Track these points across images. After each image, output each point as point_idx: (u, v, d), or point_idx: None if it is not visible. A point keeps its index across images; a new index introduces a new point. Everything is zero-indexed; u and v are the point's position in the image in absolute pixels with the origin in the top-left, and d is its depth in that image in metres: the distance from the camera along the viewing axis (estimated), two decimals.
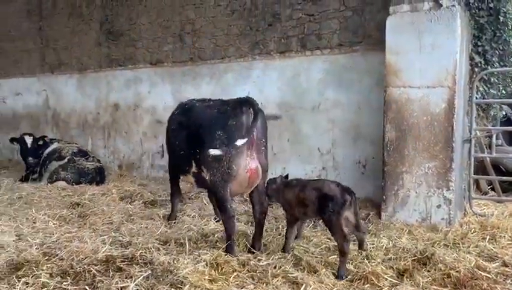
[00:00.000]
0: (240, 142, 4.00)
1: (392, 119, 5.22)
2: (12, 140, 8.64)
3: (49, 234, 5.02)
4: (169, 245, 4.68)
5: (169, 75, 7.98)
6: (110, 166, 8.94)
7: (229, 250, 4.30)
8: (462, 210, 5.50)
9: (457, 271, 3.86)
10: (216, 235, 4.89)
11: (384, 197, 5.35)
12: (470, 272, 3.82)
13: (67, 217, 5.68)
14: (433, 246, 4.52)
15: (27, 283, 3.76)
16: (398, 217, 5.27)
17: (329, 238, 4.64)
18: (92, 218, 5.59)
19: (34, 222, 5.37)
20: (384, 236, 4.80)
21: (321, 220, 4.41)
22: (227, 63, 7.34)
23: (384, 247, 4.51)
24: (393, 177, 5.26)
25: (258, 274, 3.91)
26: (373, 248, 4.49)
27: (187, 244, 4.57)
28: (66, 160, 8.02)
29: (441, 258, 4.10)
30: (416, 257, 4.21)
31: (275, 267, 4.06)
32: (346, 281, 3.83)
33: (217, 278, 3.69)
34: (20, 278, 3.84)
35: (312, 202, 4.10)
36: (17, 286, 3.69)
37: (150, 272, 3.93)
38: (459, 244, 4.58)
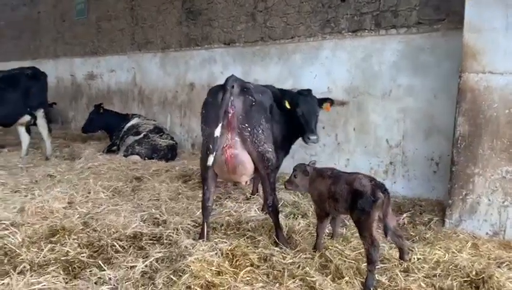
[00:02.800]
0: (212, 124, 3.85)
1: (465, 111, 4.40)
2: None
3: (98, 204, 5.26)
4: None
5: (240, 56, 7.83)
6: (184, 144, 9.17)
7: None
8: None
9: None
10: (250, 224, 4.66)
11: (450, 201, 4.59)
12: None
13: (121, 190, 5.89)
14: (499, 267, 3.74)
15: (53, 249, 3.94)
16: (465, 227, 4.49)
17: None
18: (141, 193, 5.73)
19: (89, 192, 5.65)
20: (441, 247, 4.11)
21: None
22: (296, 43, 6.94)
23: (434, 260, 3.85)
24: (463, 180, 4.47)
25: (275, 272, 3.61)
26: (420, 259, 3.87)
27: (215, 229, 4.44)
28: (141, 135, 8.39)
29: (500, 283, 3.37)
30: (469, 278, 3.53)
31: (298, 267, 3.71)
32: None
33: (225, 271, 3.47)
34: (51, 244, 4.04)
35: (344, 198, 3.62)
36: (44, 250, 3.87)
37: (166, 254, 3.88)
38: None
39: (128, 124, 8.95)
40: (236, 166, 4.00)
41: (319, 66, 6.65)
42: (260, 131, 3.97)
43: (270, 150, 4.07)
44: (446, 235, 4.45)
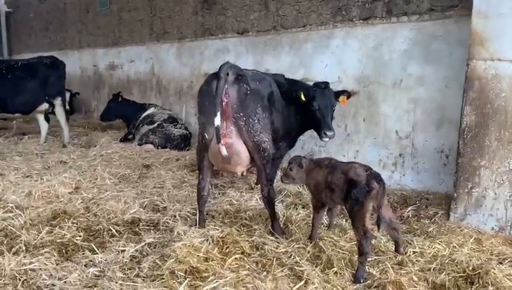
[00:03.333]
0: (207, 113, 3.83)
1: (473, 100, 4.22)
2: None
3: (103, 190, 5.35)
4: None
5: (253, 45, 7.77)
6: None
7: None
8: None
9: None
10: (248, 213, 4.64)
11: (455, 194, 4.43)
12: None
13: (128, 177, 5.98)
14: (500, 263, 3.58)
15: (51, 232, 4.04)
16: (470, 221, 4.32)
17: None
18: (146, 180, 5.80)
19: (96, 178, 5.76)
20: (442, 241, 3.97)
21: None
22: (307, 32, 6.82)
23: (432, 254, 3.73)
24: (468, 172, 4.29)
25: (265, 261, 3.58)
26: (417, 253, 3.75)
27: (212, 217, 4.44)
28: (155, 125, 8.48)
29: (497, 280, 3.23)
30: (465, 273, 3.40)
31: (289, 257, 3.67)
32: (360, 286, 3.25)
33: (212, 257, 3.46)
34: (50, 227, 4.14)
35: (339, 188, 3.54)
36: (42, 233, 3.97)
37: (159, 240, 3.92)
38: None
39: (144, 114, 9.07)
40: (231, 156, 3.93)
41: (330, 55, 6.52)
42: (256, 120, 3.88)
43: (267, 140, 3.98)
44: (450, 229, 4.31)
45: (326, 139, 4.66)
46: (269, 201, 4.09)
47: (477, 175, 4.24)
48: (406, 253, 3.70)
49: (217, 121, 3.68)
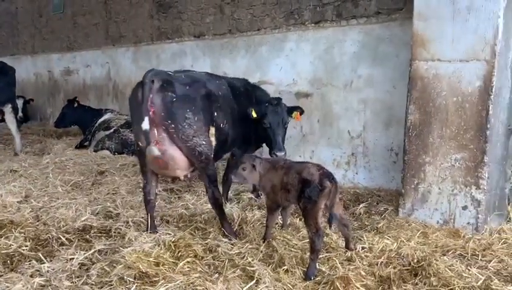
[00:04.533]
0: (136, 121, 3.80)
1: (416, 100, 4.38)
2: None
3: (54, 198, 5.20)
4: (155, 221, 4.54)
5: (209, 49, 7.79)
6: None
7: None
8: (501, 216, 4.47)
9: (450, 289, 3.13)
10: (203, 216, 4.63)
11: (403, 191, 4.58)
12: None
13: (81, 184, 5.84)
14: (444, 255, 3.74)
15: None
16: (417, 216, 4.48)
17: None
18: (100, 187, 5.68)
19: (47, 186, 5.59)
20: (390, 236, 4.09)
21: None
22: (262, 35, 6.90)
23: (380, 249, 3.84)
24: (414, 169, 4.46)
25: (217, 263, 3.58)
26: (366, 248, 3.85)
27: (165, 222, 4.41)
28: (112, 130, 8.32)
29: (439, 270, 3.37)
30: (410, 266, 3.52)
31: (242, 258, 3.68)
32: (310, 283, 3.31)
33: (163, 262, 3.43)
34: None
35: (294, 188, 3.58)
36: None
37: (111, 246, 3.85)
38: (477, 256, 3.72)
39: (100, 119, 8.89)
40: (167, 162, 3.90)
41: (284, 58, 6.62)
42: (186, 126, 3.81)
43: (203, 142, 3.93)
44: (398, 224, 4.43)
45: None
46: (215, 203, 4.07)
47: (422, 171, 4.40)
48: (355, 249, 3.80)
49: (145, 125, 3.64)
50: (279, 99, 4.80)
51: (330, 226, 3.62)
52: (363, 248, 3.85)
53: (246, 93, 4.97)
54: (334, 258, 3.63)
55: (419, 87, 4.35)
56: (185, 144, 3.85)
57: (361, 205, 4.98)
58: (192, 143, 3.87)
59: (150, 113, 3.69)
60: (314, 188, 3.39)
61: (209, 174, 4.02)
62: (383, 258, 3.65)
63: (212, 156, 4.14)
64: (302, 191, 3.46)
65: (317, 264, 3.46)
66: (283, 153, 4.59)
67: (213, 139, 4.17)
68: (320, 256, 3.62)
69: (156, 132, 3.77)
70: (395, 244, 3.92)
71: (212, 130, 4.15)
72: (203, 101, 4.04)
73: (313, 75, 6.30)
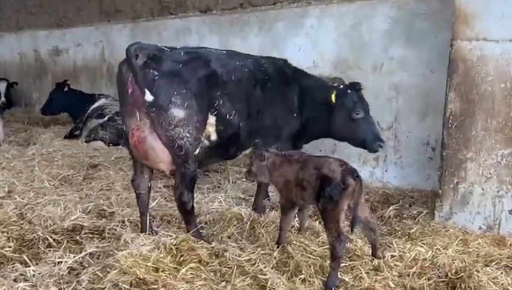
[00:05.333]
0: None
1: (457, 86, 4.34)
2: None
3: (41, 194, 5.28)
4: (154, 221, 4.60)
5: (217, 25, 7.79)
6: None
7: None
8: None
9: None
10: (208, 217, 4.67)
11: (440, 191, 4.56)
12: None
13: (70, 179, 5.92)
14: (487, 266, 3.71)
15: None
16: (456, 221, 4.46)
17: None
18: (93, 182, 5.76)
19: (33, 181, 5.68)
20: (424, 244, 4.08)
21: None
22: (278, 10, 6.89)
23: (412, 257, 3.82)
24: (454, 166, 4.43)
25: (224, 269, 3.61)
26: (396, 256, 3.84)
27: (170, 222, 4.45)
28: (106, 118, 8.38)
29: (480, 283, 3.35)
30: (447, 277, 3.51)
31: (253, 264, 3.71)
32: None
33: (163, 267, 3.46)
34: None
35: (311, 185, 3.58)
36: None
37: (104, 249, 3.90)
38: None
39: (93, 106, 8.95)
40: (146, 151, 3.89)
41: (304, 37, 6.61)
42: (169, 111, 3.73)
43: (187, 135, 3.81)
44: (434, 230, 4.43)
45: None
46: (181, 206, 4.04)
47: (463, 169, 4.37)
48: (383, 257, 3.79)
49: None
50: (359, 84, 4.68)
51: (352, 230, 3.63)
52: (392, 256, 3.85)
53: (280, 77, 4.73)
54: (359, 267, 3.64)
55: (461, 71, 4.31)
56: (164, 132, 3.79)
57: (391, 208, 4.99)
58: (173, 133, 3.79)
59: (132, 92, 3.72)
60: (336, 186, 3.38)
61: (183, 173, 3.94)
62: (415, 268, 3.66)
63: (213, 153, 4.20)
64: (322, 190, 3.45)
65: (338, 273, 3.47)
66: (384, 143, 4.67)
67: (211, 131, 4.08)
68: (343, 264, 3.63)
69: (138, 115, 3.80)
70: (430, 252, 3.92)
71: (212, 120, 4.05)
72: (201, 84, 3.91)
73: (336, 56, 6.28)
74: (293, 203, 3.92)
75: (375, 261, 3.73)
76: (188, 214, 4.11)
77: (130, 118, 3.87)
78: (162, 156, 3.92)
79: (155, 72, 3.72)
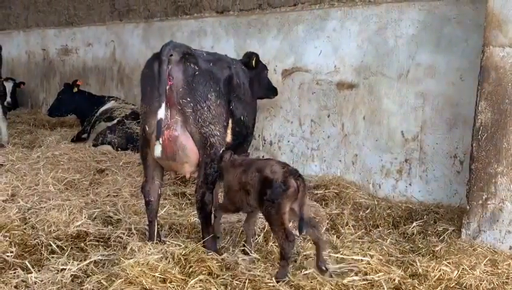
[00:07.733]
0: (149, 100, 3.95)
1: (488, 95, 4.32)
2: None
3: (45, 198, 5.37)
4: (162, 230, 4.63)
5: (234, 27, 7.85)
6: None
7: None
8: None
9: None
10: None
11: (468, 207, 4.51)
12: None
13: (76, 183, 5.99)
14: None
15: None
16: (484, 239, 4.41)
17: None
18: (99, 188, 5.82)
19: (37, 184, 5.76)
20: (450, 263, 4.04)
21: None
22: (298, 12, 6.92)
23: (436, 277, 3.80)
24: (483, 181, 4.38)
25: (235, 283, 3.61)
26: (421, 276, 3.82)
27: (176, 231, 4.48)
28: (115, 121, 8.48)
29: None
30: None
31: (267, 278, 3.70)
32: None
33: (170, 279, 3.49)
34: None
35: (254, 189, 3.70)
36: None
37: (109, 257, 3.94)
38: None
39: (102, 108, 9.07)
40: (176, 152, 3.96)
41: (325, 40, 6.62)
42: (206, 108, 3.92)
43: (218, 134, 4.02)
44: (461, 249, 4.38)
45: None
46: (202, 207, 4.11)
47: (493, 184, 4.33)
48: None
49: (161, 113, 3.74)
50: None
51: (300, 232, 3.66)
52: (415, 275, 3.80)
53: None
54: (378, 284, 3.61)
55: (493, 79, 4.29)
56: (199, 129, 3.94)
57: (414, 224, 4.96)
58: (208, 130, 3.97)
59: (167, 89, 3.78)
60: (277, 188, 3.49)
61: (208, 173, 4.07)
62: (439, 288, 3.64)
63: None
64: (264, 193, 3.55)
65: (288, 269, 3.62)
66: None
67: (228, 133, 4.28)
68: (360, 282, 3.61)
69: (169, 113, 3.87)
70: (456, 272, 3.89)
71: (230, 121, 4.29)
72: (225, 84, 4.16)
73: (359, 61, 6.28)
74: (237, 208, 4.01)
75: (396, 280, 3.70)
76: (206, 217, 4.17)
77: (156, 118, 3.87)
78: (191, 156, 4.05)
79: (195, 68, 3.92)
